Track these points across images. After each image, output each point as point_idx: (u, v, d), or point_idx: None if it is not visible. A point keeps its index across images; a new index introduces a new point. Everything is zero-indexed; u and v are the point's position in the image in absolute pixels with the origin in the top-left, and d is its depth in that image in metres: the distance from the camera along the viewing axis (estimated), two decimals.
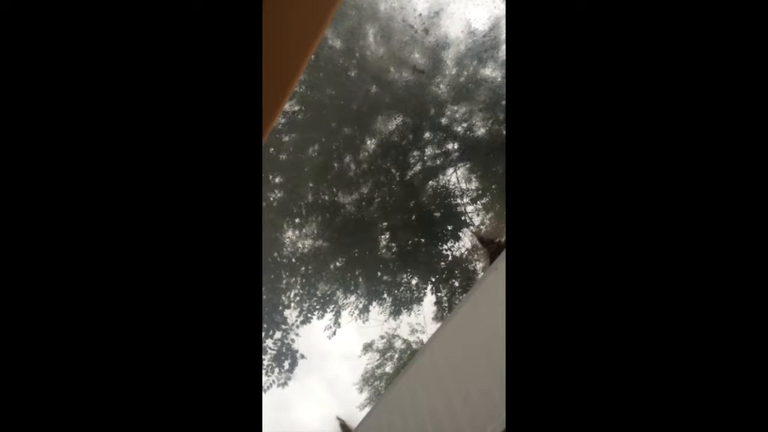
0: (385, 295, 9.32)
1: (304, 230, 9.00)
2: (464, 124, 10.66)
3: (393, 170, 9.78)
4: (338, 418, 4.31)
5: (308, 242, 9.03)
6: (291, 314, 8.42)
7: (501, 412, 2.81)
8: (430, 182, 10.15)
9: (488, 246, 3.91)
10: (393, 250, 9.27)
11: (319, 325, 8.66)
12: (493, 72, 10.28)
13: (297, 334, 8.39)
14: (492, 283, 3.54)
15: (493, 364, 3.07)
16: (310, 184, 8.82)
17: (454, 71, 10.35)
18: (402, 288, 9.36)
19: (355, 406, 9.48)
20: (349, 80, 9.42)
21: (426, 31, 9.27)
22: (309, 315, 8.48)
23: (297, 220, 8.78)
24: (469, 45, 10.29)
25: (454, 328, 3.78)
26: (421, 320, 9.58)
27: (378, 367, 10.39)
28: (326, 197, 8.87)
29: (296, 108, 9.14)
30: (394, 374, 9.08)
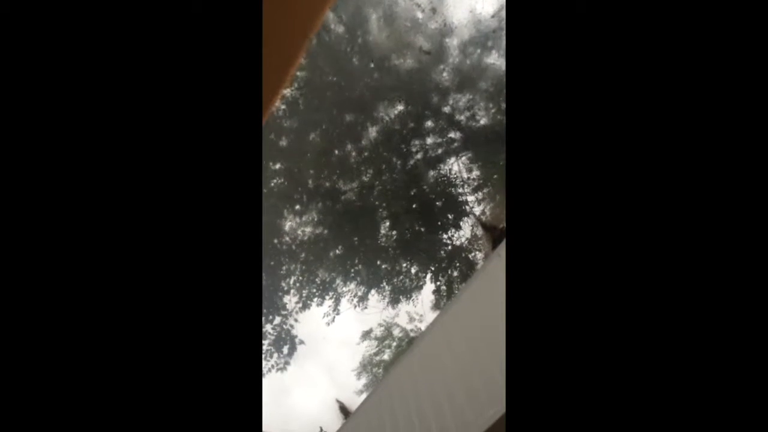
0: (384, 284, 9.34)
1: (304, 217, 8.97)
2: (467, 113, 10.58)
3: (394, 158, 9.72)
4: (337, 401, 4.36)
5: (308, 229, 9.01)
6: (290, 300, 8.44)
7: (501, 397, 2.82)
8: (432, 171, 10.10)
9: (491, 232, 3.90)
10: (393, 239, 9.26)
11: (318, 311, 8.70)
12: (497, 60, 10.15)
13: (296, 320, 8.43)
14: (495, 269, 3.52)
15: (494, 349, 3.07)
16: (311, 171, 8.77)
17: (458, 60, 10.22)
18: (401, 276, 9.38)
19: (353, 391, 9.59)
20: (351, 66, 9.28)
21: (433, 10, 9.09)
22: (308, 301, 8.51)
23: (297, 207, 8.74)
24: (474, 32, 10.14)
25: (456, 313, 3.78)
26: (419, 309, 9.62)
27: (376, 354, 10.48)
28: (327, 184, 8.82)
29: (297, 94, 9.02)
30: (392, 361, 9.15)
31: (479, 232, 9.22)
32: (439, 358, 3.62)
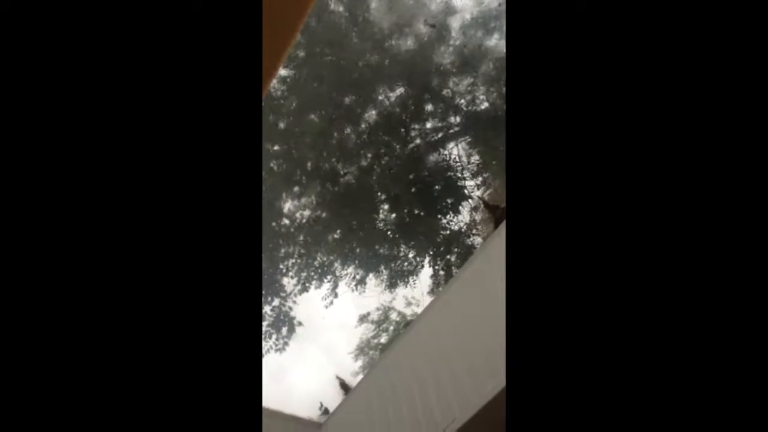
0: (383, 267, 9.34)
1: (303, 199, 8.89)
2: (467, 96, 10.44)
3: (393, 142, 9.61)
4: (338, 377, 4.38)
5: (307, 212, 8.95)
6: (289, 282, 8.43)
7: (501, 371, 2.83)
8: (431, 155, 10.02)
9: (493, 211, 3.89)
10: (392, 222, 9.23)
11: (317, 294, 8.71)
12: (499, 42, 9.98)
13: (294, 302, 8.44)
14: (496, 248, 3.51)
15: (494, 326, 3.07)
16: (310, 153, 8.66)
17: (458, 41, 10.04)
18: (399, 261, 9.38)
19: (350, 372, 9.69)
20: (351, 46, 9.10)
21: None
22: (307, 284, 8.50)
23: (296, 189, 8.66)
24: (476, 13, 9.94)
25: (457, 291, 3.78)
26: (417, 294, 9.64)
27: (373, 337, 10.56)
28: (327, 166, 8.73)
29: (296, 75, 8.85)
30: (389, 345, 9.22)
31: (481, 211, 9.21)
32: (441, 333, 3.63)
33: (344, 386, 4.23)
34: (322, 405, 4.19)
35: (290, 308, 8.28)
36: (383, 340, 10.36)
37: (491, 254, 3.51)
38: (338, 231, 9.04)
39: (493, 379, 2.91)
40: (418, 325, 3.96)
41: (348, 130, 9.42)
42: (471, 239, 9.37)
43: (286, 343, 8.02)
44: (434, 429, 3.24)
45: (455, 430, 3.09)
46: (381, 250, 9.29)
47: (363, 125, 9.81)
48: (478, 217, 9.66)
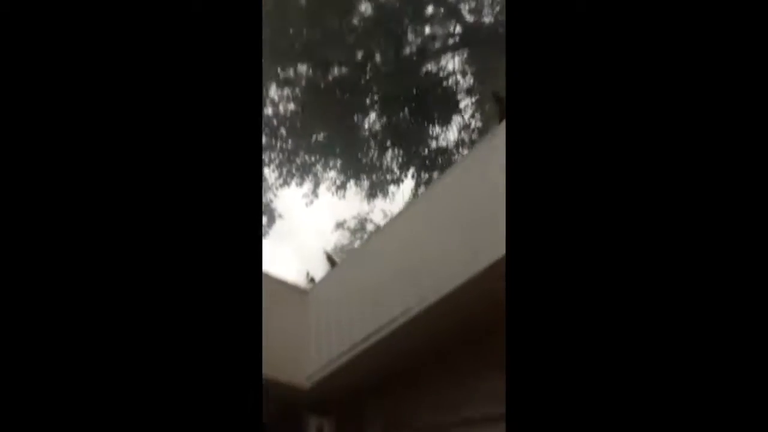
0: (364, 176, 9.20)
1: (286, 90, 8.27)
2: (471, 3, 9.66)
3: (387, 43, 8.89)
4: (325, 252, 4.44)
5: (291, 106, 8.40)
6: (270, 175, 8.18)
7: (498, 243, 2.85)
8: (426, 64, 9.45)
9: (501, 104, 3.77)
10: (379, 128, 8.90)
11: (297, 192, 8.58)
12: None
13: (275, 195, 8.31)
14: (498, 139, 3.39)
15: (491, 209, 3.05)
16: (297, 34, 7.85)
17: None
18: (382, 171, 9.24)
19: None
20: None
21: None
22: (288, 179, 8.30)
23: (281, 74, 7.98)
24: None
25: (453, 177, 3.72)
26: (395, 209, 9.69)
27: (348, 244, 10.79)
28: (315, 54, 8.01)
29: None
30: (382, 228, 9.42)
31: (477, 119, 9.04)
32: (434, 214, 3.63)
33: (331, 260, 4.28)
34: (308, 273, 4.26)
35: (271, 200, 8.16)
36: (357, 245, 10.59)
37: (495, 145, 3.41)
38: (322, 133, 8.64)
39: (488, 252, 2.96)
40: (411, 208, 3.94)
41: (338, 21, 8.55)
42: (457, 157, 9.27)
43: (266, 233, 8.04)
44: (420, 298, 3.35)
45: (441, 296, 3.21)
46: (364, 160, 9.06)
47: (356, 19, 8.93)
48: (466, 137, 9.50)
